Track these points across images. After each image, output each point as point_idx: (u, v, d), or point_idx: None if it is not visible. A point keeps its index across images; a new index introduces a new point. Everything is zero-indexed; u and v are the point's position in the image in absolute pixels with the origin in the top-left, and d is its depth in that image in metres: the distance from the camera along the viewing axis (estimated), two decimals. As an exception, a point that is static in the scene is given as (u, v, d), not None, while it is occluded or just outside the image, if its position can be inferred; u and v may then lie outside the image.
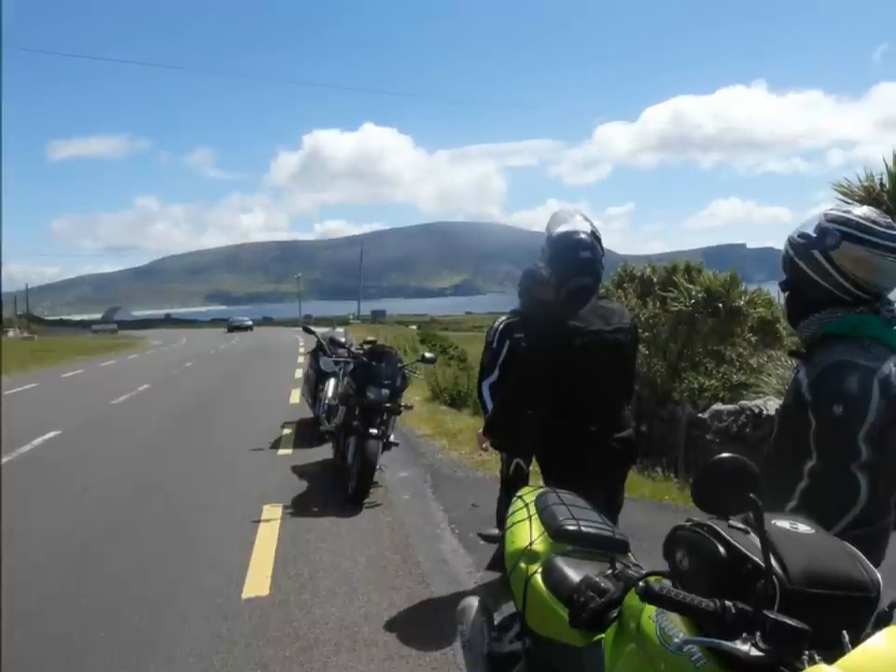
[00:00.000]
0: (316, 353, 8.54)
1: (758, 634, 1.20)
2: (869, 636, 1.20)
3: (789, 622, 1.17)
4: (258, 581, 4.34)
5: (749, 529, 1.31)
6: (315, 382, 8.59)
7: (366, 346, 6.83)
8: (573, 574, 1.85)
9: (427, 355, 7.09)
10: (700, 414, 7.94)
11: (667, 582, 1.44)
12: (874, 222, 1.84)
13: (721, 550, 1.28)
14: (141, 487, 6.76)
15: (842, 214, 1.88)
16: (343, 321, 60.23)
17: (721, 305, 9.37)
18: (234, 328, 63.70)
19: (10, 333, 60.89)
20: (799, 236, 1.92)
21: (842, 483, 1.73)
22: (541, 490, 2.34)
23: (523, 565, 2.03)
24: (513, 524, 2.21)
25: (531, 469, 4.22)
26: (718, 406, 7.71)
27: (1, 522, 5.10)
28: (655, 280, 10.77)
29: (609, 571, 1.78)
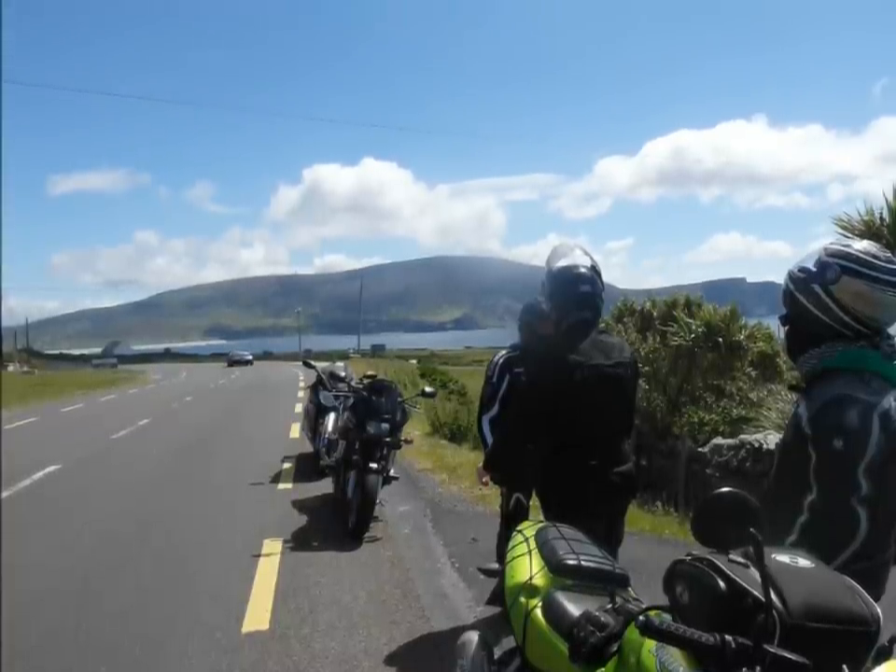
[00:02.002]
0: (316, 387, 8.50)
1: (758, 668, 1.18)
2: (869, 670, 1.19)
3: (789, 656, 1.16)
4: (258, 616, 4.30)
5: (749, 563, 1.30)
6: (314, 416, 8.51)
7: (366, 381, 6.78)
8: (573, 608, 1.84)
9: (427, 389, 7.07)
10: (700, 449, 7.95)
11: (667, 617, 1.43)
12: (874, 256, 1.83)
13: (721, 584, 1.27)
14: (141, 522, 6.72)
15: (842, 248, 1.87)
16: (343, 355, 59.86)
17: (720, 340, 9.37)
18: (234, 362, 63.36)
19: (10, 367, 60.71)
20: (799, 270, 1.91)
21: (842, 517, 1.71)
22: (541, 524, 2.33)
23: (523, 599, 2.01)
24: (513, 558, 2.20)
25: (531, 503, 4.18)
26: (718, 440, 7.70)
27: (1, 557, 5.12)
28: (655, 314, 10.77)
29: (609, 605, 1.76)
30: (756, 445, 6.96)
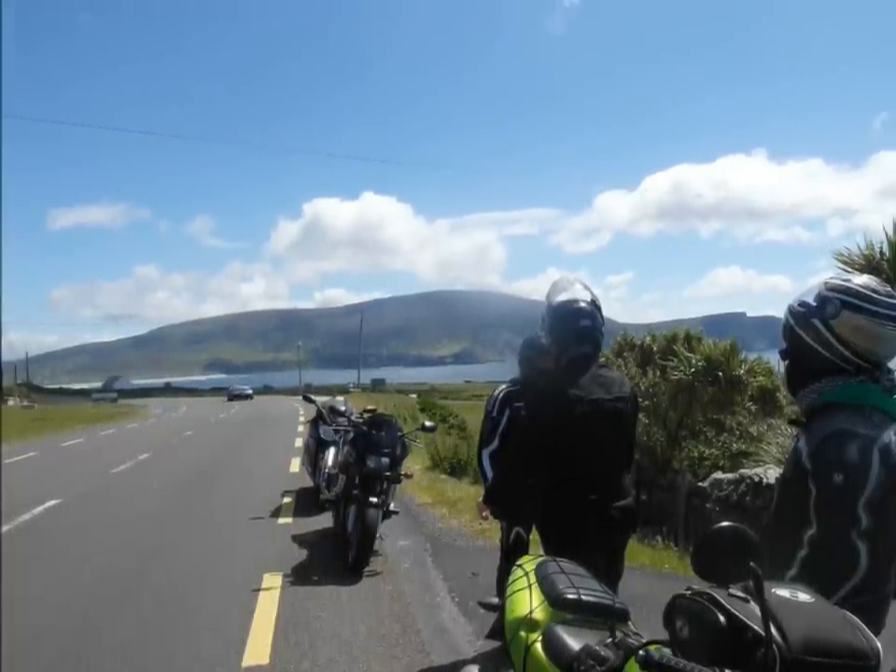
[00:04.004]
0: (316, 421, 8.41)
1: None
2: None
3: None
4: (258, 650, 4.24)
5: (749, 598, 1.28)
6: (315, 450, 8.39)
7: (366, 415, 6.74)
8: (573, 643, 1.81)
9: (427, 423, 7.00)
10: (700, 483, 7.87)
11: (667, 651, 1.40)
12: (874, 291, 1.82)
13: (721, 618, 1.25)
14: (141, 556, 6.63)
15: (842, 283, 1.85)
16: (343, 390, 58.80)
17: (720, 374, 9.24)
18: (234, 396, 62.43)
19: (10, 402, 60.11)
20: (799, 305, 1.89)
21: (842, 552, 1.68)
22: (541, 559, 2.30)
23: (523, 633, 1.98)
24: (513, 592, 2.17)
25: (531, 537, 4.13)
26: (718, 475, 7.64)
27: (1, 591, 5.04)
28: (655, 349, 10.65)
29: (610, 640, 1.73)
30: (756, 480, 6.92)
